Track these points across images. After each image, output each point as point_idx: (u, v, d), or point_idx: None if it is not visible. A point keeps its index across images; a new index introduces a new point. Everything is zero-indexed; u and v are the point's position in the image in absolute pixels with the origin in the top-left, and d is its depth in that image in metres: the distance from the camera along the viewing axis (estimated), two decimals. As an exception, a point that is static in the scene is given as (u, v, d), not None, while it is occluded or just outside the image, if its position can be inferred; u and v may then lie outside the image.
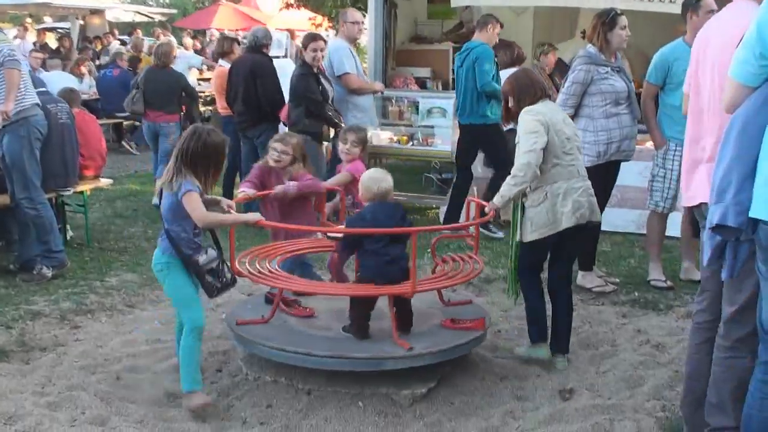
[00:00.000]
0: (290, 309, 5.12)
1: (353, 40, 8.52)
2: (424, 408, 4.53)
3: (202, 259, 4.43)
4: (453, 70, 8.42)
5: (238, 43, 10.13)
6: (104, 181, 8.13)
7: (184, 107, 10.31)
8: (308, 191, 5.64)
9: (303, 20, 20.64)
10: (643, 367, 5.10)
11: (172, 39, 16.61)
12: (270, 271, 4.90)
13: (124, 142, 14.10)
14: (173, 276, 4.46)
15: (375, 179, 4.83)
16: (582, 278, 6.54)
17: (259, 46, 8.59)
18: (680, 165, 6.34)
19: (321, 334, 4.83)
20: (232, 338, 5.33)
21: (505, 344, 5.47)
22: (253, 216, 4.75)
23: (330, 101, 7.78)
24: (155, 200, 9.87)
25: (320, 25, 18.18)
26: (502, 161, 8.01)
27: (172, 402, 4.64)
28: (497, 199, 4.91)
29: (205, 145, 4.31)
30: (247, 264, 4.96)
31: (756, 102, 3.12)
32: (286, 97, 8.21)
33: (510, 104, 5.07)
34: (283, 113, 8.11)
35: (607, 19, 6.17)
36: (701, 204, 3.67)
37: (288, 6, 18.00)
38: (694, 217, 3.96)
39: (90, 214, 8.25)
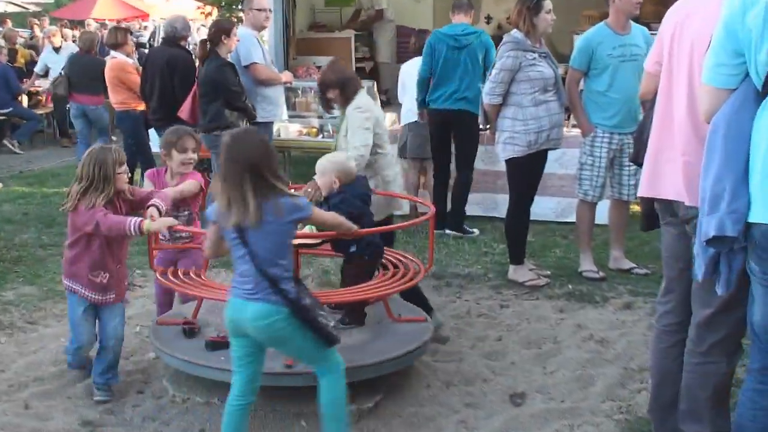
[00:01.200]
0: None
1: (260, 29, 7.96)
2: (372, 423, 4.20)
3: (307, 300, 3.55)
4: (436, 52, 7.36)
5: (131, 33, 9.57)
6: (-8, 186, 7.47)
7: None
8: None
9: (190, 9, 19.97)
10: (591, 365, 4.90)
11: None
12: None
13: (5, 141, 13.12)
14: (300, 330, 3.50)
15: (347, 162, 4.70)
16: (513, 272, 6.32)
17: (177, 38, 8.03)
18: (608, 152, 6.29)
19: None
20: (149, 354, 4.96)
21: (444, 347, 5.20)
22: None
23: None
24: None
25: (210, 14, 17.55)
26: (471, 160, 7.70)
27: (90, 431, 4.17)
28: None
29: (263, 142, 3.50)
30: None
31: (735, 102, 2.91)
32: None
33: (330, 95, 5.24)
34: (185, 111, 7.54)
35: (532, 4, 5.92)
36: (673, 201, 3.44)
37: (176, -6, 17.25)
38: (650, 208, 3.72)
39: (-25, 221, 7.60)
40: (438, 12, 12.85)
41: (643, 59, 6.23)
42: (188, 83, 7.68)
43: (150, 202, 4.41)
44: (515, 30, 6.03)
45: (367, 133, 5.08)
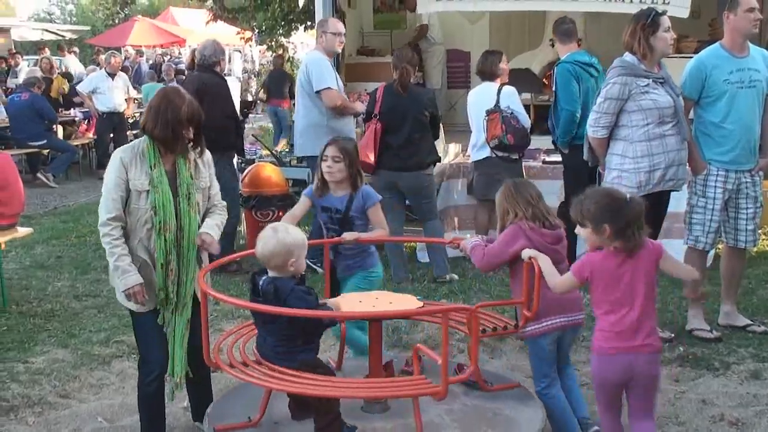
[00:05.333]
0: None
1: (332, 54, 7.26)
2: None
3: None
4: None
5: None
6: (23, 231, 6.72)
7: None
8: None
9: (229, 35, 19.39)
10: (733, 458, 4.06)
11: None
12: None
13: (39, 174, 12.47)
14: None
15: None
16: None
17: (209, 64, 7.34)
18: (723, 192, 5.44)
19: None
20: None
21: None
22: None
23: None
24: None
25: (249, 39, 16.97)
26: None
27: None
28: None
29: None
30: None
31: None
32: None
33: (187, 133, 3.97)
34: (369, 153, 6.84)
35: (648, 21, 5.11)
36: None
37: (215, 19, 16.66)
38: None
39: (4, 266, 6.89)
40: (494, 34, 12.13)
41: (763, 85, 5.49)
42: (217, 110, 6.88)
43: None
44: (627, 53, 5.22)
45: None
